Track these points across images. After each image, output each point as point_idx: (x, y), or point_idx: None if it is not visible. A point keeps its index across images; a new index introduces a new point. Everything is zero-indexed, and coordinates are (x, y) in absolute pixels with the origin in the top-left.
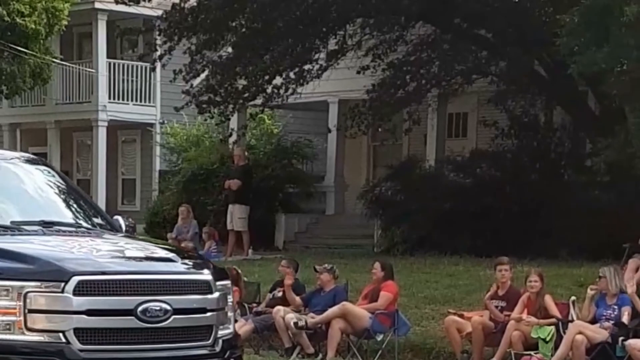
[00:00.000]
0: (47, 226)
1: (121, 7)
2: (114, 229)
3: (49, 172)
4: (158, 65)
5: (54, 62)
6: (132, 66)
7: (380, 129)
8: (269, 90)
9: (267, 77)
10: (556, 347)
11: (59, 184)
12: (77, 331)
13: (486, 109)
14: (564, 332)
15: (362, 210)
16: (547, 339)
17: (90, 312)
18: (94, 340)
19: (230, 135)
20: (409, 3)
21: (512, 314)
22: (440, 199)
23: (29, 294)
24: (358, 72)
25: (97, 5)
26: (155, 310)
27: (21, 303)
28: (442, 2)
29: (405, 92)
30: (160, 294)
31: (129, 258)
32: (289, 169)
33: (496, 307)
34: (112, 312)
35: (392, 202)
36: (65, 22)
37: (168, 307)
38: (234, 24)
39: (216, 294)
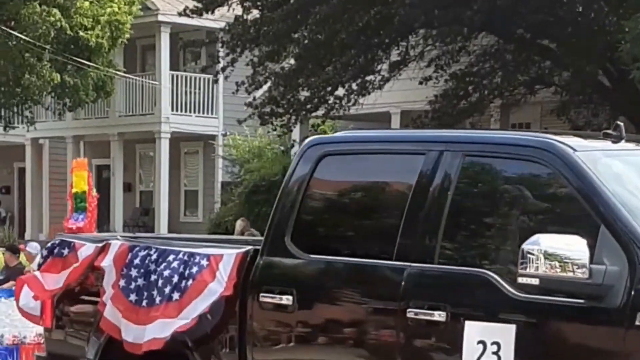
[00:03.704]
0: None
1: (184, 20)
2: None
3: None
4: (220, 77)
5: (117, 74)
6: (195, 78)
7: None
8: (330, 101)
9: (329, 89)
10: None
11: None
12: None
13: (549, 119)
14: None
15: None
16: None
17: None
18: None
19: (292, 146)
20: (471, 14)
21: None
22: None
23: None
24: (420, 83)
25: (160, 17)
26: None
27: None
28: (505, 13)
29: (468, 102)
30: None
31: None
32: None
33: None
34: None
35: None
36: (128, 35)
37: None
38: (296, 35)
39: None
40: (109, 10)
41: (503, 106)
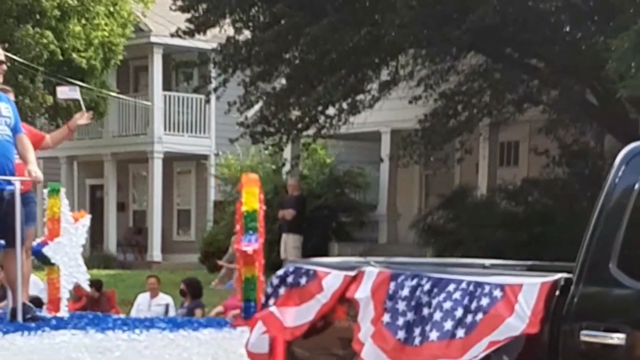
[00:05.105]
0: None
1: (176, 41)
2: None
3: None
4: (212, 97)
5: (110, 95)
6: (187, 98)
7: (432, 158)
8: (321, 121)
9: (320, 108)
10: None
11: None
12: None
13: (537, 137)
14: None
15: (414, 239)
16: None
17: None
18: None
19: (284, 165)
20: (460, 34)
21: None
22: (492, 227)
23: None
24: (410, 102)
25: (153, 39)
26: None
27: None
28: (493, 33)
29: (457, 121)
30: None
31: None
32: (341, 198)
33: None
34: None
35: (444, 231)
36: (121, 57)
37: None
38: (287, 55)
39: None
40: (101, 32)
41: (492, 125)
